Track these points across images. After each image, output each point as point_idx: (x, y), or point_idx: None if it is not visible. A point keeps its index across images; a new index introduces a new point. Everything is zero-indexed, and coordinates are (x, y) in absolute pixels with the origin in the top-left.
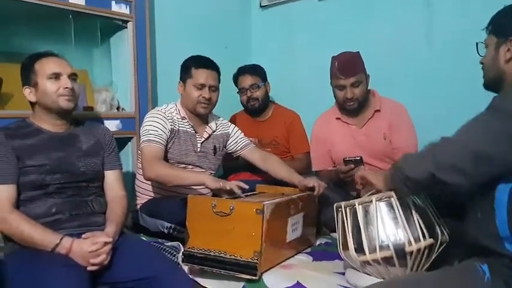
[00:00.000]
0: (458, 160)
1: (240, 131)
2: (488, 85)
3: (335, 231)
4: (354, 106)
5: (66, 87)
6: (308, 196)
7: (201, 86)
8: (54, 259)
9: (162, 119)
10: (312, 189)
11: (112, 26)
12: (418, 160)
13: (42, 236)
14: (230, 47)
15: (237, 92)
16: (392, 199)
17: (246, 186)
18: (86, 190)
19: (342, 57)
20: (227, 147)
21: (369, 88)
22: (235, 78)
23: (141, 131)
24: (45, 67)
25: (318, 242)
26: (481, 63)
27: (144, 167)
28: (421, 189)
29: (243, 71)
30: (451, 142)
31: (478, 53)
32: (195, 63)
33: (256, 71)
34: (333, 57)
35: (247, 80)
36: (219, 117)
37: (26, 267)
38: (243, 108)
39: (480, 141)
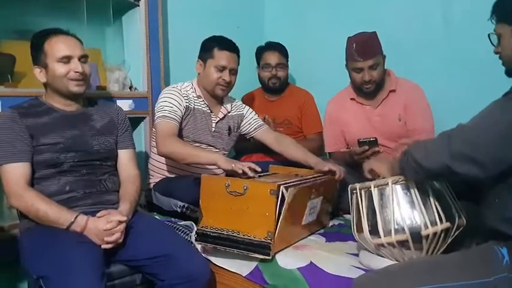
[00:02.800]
0: (474, 152)
1: (253, 113)
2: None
3: (348, 213)
4: (371, 89)
5: (77, 71)
6: (330, 180)
7: (223, 68)
8: (69, 237)
9: (178, 96)
10: (332, 173)
11: (124, 4)
12: (433, 149)
13: (57, 214)
14: (242, 27)
15: (258, 67)
16: (408, 182)
17: (259, 169)
18: (100, 169)
19: (360, 39)
20: (241, 129)
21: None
22: (260, 52)
23: (155, 108)
24: (55, 49)
25: (331, 224)
26: (497, 53)
27: (158, 143)
28: (433, 178)
29: (271, 46)
30: (468, 131)
31: (492, 43)
32: (218, 44)
33: (283, 49)
34: (349, 38)
35: (275, 57)
36: (234, 99)
37: (40, 244)
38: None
39: (497, 131)
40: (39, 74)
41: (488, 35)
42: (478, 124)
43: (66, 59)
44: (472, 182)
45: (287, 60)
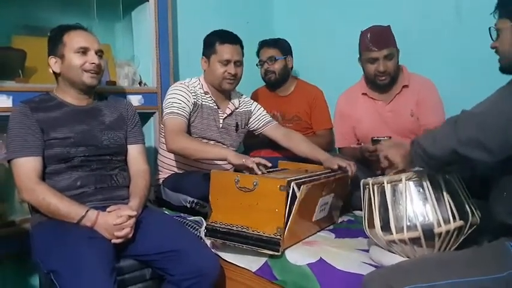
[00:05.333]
0: (481, 134)
1: (262, 109)
2: (506, 69)
3: (358, 209)
4: (386, 81)
5: (93, 63)
6: (342, 178)
7: (227, 62)
8: (80, 231)
9: (186, 92)
10: (344, 170)
11: (134, 0)
12: (440, 136)
13: (68, 209)
14: (252, 22)
15: (256, 65)
16: (422, 178)
17: (269, 164)
18: (110, 164)
19: (375, 29)
20: (249, 125)
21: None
22: (258, 51)
23: (164, 104)
24: (74, 40)
25: (340, 220)
26: (493, 47)
27: (167, 140)
28: (442, 166)
29: (264, 43)
30: (473, 115)
31: (492, 38)
32: (219, 38)
33: (277, 44)
34: (362, 30)
35: (266, 52)
36: (241, 95)
37: (52, 239)
38: (265, 84)
39: (505, 117)
40: (54, 65)
41: (489, 29)
42: (485, 109)
43: (84, 51)
44: (478, 172)
45: (283, 53)
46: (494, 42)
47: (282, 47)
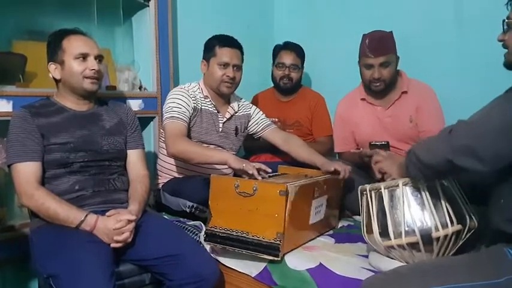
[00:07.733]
0: (476, 145)
1: (261, 112)
2: (510, 66)
3: (357, 214)
4: (380, 88)
5: (93, 69)
6: (333, 179)
7: (225, 65)
8: (79, 235)
9: (186, 97)
10: (337, 173)
11: (134, 5)
12: (434, 145)
13: (67, 213)
14: (252, 27)
15: (273, 65)
16: (419, 183)
17: (269, 170)
18: (109, 169)
19: (374, 35)
20: (248, 129)
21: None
22: (277, 51)
23: (164, 108)
24: (73, 46)
25: (340, 225)
26: (501, 40)
27: (167, 144)
28: (437, 176)
29: (288, 46)
30: (468, 125)
31: (504, 31)
32: (219, 41)
33: (300, 51)
34: (364, 34)
35: (290, 58)
36: (241, 99)
37: (51, 243)
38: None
39: (500, 127)
40: (54, 71)
41: (503, 21)
42: (480, 119)
43: (83, 57)
44: (475, 179)
45: (302, 63)
46: (503, 34)
47: (303, 57)
